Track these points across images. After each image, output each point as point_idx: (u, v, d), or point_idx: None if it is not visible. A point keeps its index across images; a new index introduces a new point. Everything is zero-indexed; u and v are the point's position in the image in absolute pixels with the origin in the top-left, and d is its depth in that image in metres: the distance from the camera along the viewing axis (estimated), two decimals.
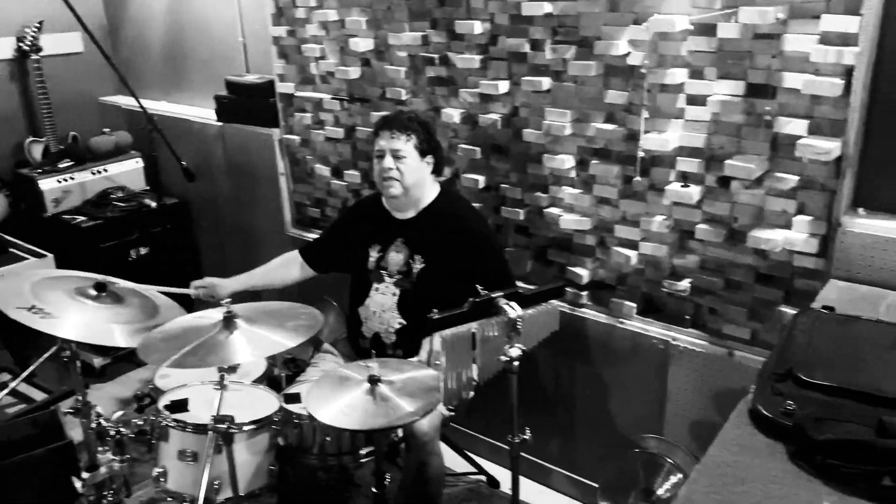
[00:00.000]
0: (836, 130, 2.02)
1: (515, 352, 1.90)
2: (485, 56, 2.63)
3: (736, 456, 1.38)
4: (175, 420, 2.11)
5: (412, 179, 2.44)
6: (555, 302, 2.08)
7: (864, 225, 2.06)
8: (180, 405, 2.14)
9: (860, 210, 2.10)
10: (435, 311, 1.87)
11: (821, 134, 2.04)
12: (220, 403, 1.97)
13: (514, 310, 1.87)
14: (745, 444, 1.40)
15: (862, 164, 2.08)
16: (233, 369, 2.02)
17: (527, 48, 2.51)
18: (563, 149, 2.55)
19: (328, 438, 2.20)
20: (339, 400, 1.95)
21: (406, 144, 2.41)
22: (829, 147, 1.99)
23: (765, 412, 1.44)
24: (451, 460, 2.87)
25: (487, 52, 2.63)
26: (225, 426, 1.93)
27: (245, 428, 2.10)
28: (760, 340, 2.30)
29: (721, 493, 1.29)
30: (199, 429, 2.06)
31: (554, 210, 2.64)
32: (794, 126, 2.06)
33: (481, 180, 2.79)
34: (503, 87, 2.60)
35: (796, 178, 2.11)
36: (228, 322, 1.98)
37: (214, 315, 2.03)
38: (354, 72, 3.01)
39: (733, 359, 2.34)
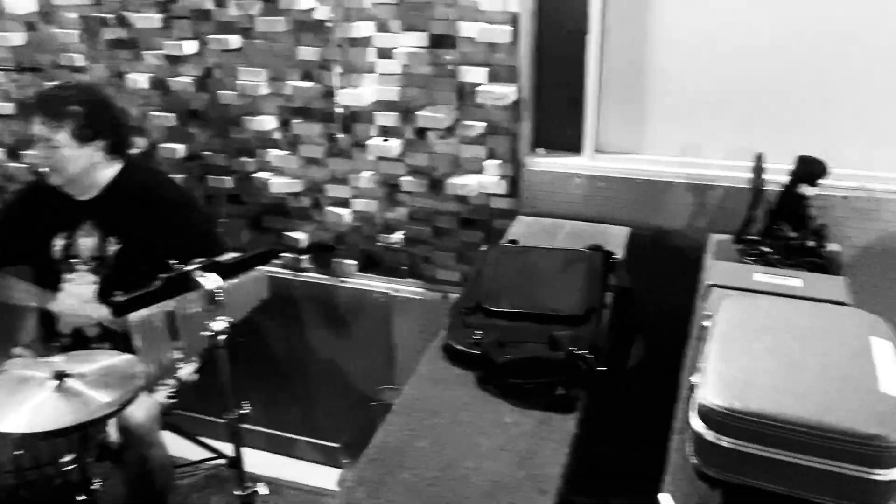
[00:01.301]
0: (511, 76, 2.15)
1: (220, 325, 1.80)
2: (166, 14, 2.43)
3: (429, 391, 1.42)
4: None
5: (71, 170, 2.14)
6: (263, 268, 2.00)
7: (544, 163, 2.23)
8: None
9: (540, 150, 2.27)
10: (119, 293, 1.69)
11: (499, 80, 2.16)
12: None
13: (211, 281, 1.76)
14: (438, 378, 1.45)
15: (537, 108, 2.25)
16: None
17: (210, 4, 2.37)
18: (263, 109, 2.46)
19: (21, 452, 1.94)
20: (21, 405, 1.72)
21: (58, 134, 2.07)
22: (506, 92, 2.12)
23: (455, 345, 1.51)
24: (186, 449, 2.71)
25: (168, 10, 2.43)
26: None
27: None
28: None
29: (415, 429, 1.32)
30: None
31: (263, 174, 2.55)
32: (474, 74, 2.16)
33: (181, 149, 2.60)
34: (190, 47, 2.43)
35: (483, 124, 2.23)
36: None
37: None
38: (17, 38, 2.64)
39: (447, 301, 2.44)
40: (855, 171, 1.96)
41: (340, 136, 2.39)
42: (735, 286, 1.62)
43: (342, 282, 2.59)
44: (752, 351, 1.22)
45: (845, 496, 1.08)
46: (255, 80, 2.39)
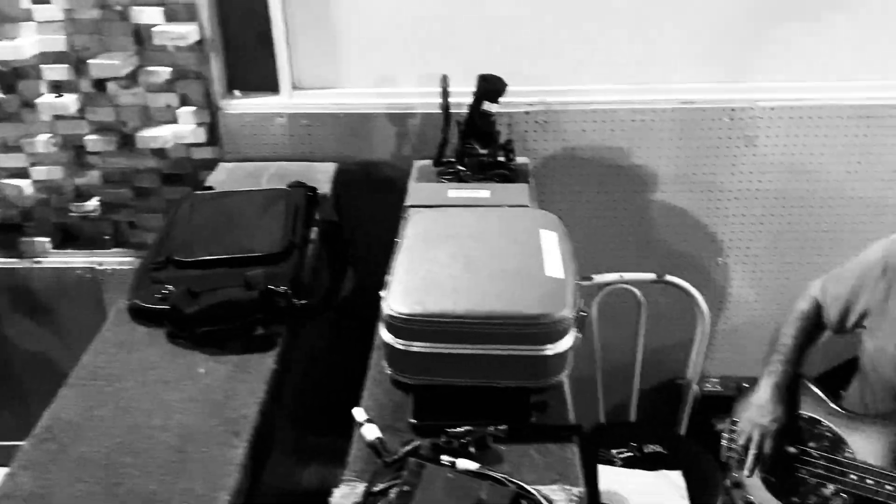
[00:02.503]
0: (190, 15, 2.00)
1: None
2: None
3: (112, 357, 1.30)
4: None
5: None
6: None
7: (242, 105, 2.12)
8: None
9: (236, 92, 2.15)
10: None
11: (178, 20, 2.00)
12: None
13: None
14: (123, 342, 1.33)
15: (227, 47, 2.12)
16: None
17: None
18: None
19: None
20: None
21: None
22: (186, 31, 1.97)
23: (141, 303, 1.38)
24: None
25: None
26: None
27: None
28: None
29: (95, 398, 1.20)
30: None
31: None
32: (149, 15, 1.98)
33: None
34: None
35: (169, 69, 2.06)
36: None
37: None
38: None
39: None
40: (534, 87, 2.09)
41: (3, 96, 2.09)
42: (431, 204, 1.66)
43: (36, 263, 2.30)
44: (435, 258, 1.25)
45: (524, 376, 1.15)
46: None
